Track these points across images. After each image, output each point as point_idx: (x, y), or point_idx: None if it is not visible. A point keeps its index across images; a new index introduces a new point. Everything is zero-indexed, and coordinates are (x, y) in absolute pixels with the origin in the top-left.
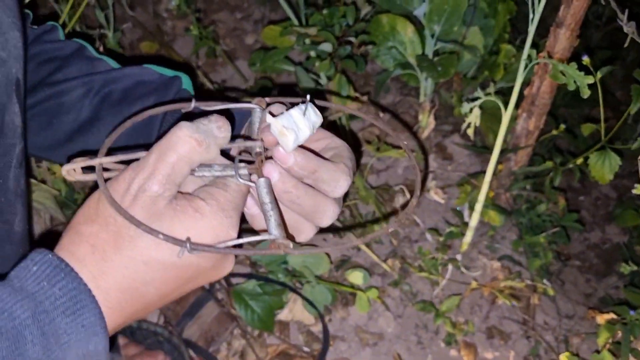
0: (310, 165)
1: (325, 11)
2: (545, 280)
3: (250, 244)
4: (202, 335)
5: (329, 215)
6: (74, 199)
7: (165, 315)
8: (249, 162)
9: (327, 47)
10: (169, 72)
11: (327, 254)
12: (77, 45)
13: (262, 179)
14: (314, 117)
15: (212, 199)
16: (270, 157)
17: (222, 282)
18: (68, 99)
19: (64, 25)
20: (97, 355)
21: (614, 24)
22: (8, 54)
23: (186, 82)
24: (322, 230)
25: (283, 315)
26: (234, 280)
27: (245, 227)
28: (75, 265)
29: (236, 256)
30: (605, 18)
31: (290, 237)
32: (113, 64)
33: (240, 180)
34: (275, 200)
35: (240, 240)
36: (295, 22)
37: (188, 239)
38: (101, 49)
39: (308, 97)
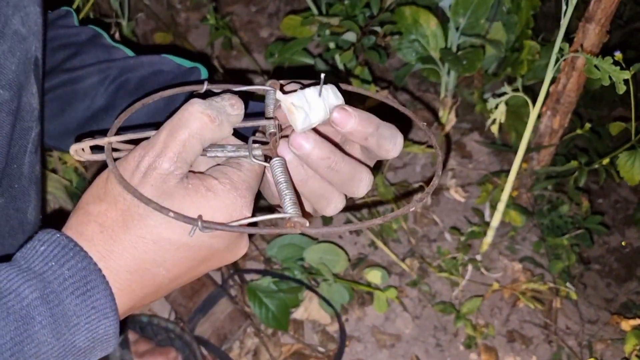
0: (373, 122)
1: (346, 1)
2: (567, 284)
3: (265, 223)
4: (214, 333)
5: (365, 182)
6: (84, 189)
7: (176, 311)
8: (263, 143)
9: (351, 36)
10: (187, 63)
11: (345, 252)
12: (93, 32)
13: (275, 159)
14: (333, 99)
15: (225, 178)
16: (286, 136)
17: (236, 279)
18: (83, 86)
19: (77, 12)
20: (107, 339)
21: (635, 24)
22: (28, 30)
23: (204, 74)
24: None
25: (298, 313)
26: (248, 277)
27: (261, 205)
28: (84, 245)
29: (250, 236)
30: (625, 18)
31: (306, 216)
32: (129, 52)
33: (254, 160)
34: (290, 180)
35: (255, 219)
36: (316, 12)
37: (200, 217)
38: (117, 35)
39: (322, 76)
